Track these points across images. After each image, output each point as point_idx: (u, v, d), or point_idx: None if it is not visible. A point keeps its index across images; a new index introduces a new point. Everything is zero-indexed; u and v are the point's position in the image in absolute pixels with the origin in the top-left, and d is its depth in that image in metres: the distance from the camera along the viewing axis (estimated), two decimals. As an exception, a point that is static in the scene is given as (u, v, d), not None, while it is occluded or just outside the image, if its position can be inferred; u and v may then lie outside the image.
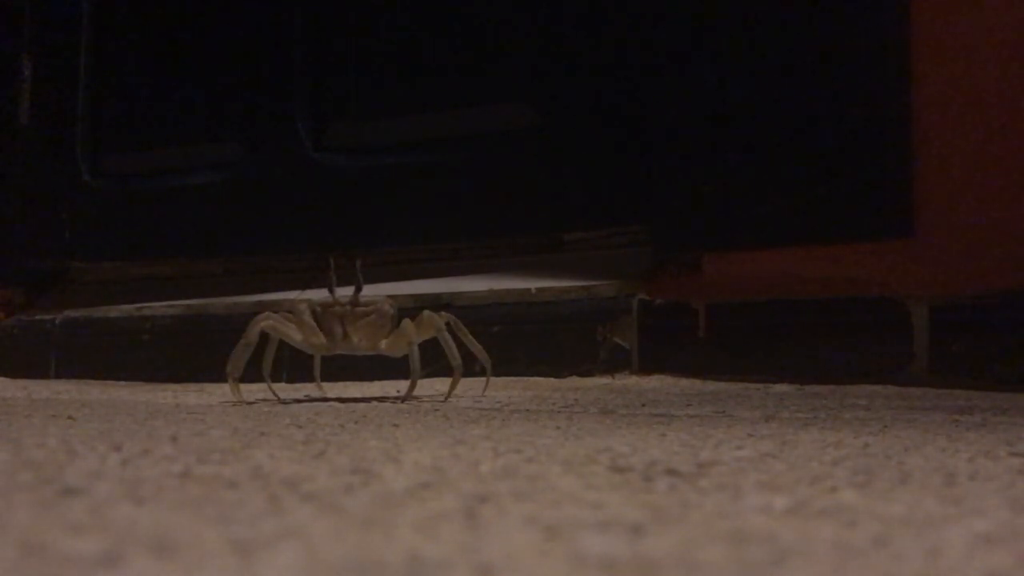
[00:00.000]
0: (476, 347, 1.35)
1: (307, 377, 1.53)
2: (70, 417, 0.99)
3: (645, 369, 1.61)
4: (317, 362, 1.46)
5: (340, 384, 1.65)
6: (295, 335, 1.30)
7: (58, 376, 2.10)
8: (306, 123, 2.07)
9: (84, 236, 2.31)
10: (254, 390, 1.44)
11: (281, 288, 1.95)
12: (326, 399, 1.35)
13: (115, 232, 2.27)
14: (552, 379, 1.62)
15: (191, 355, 1.96)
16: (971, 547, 0.39)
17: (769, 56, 1.57)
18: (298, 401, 1.32)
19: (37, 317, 2.21)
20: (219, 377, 1.80)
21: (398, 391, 1.46)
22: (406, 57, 1.99)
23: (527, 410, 1.16)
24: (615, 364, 1.62)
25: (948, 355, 1.44)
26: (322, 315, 1.29)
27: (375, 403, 1.26)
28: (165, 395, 1.55)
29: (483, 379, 1.40)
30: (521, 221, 1.85)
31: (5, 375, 2.11)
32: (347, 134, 2.05)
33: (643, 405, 1.22)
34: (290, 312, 1.31)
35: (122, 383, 1.93)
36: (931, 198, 1.47)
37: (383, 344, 1.30)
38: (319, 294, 1.35)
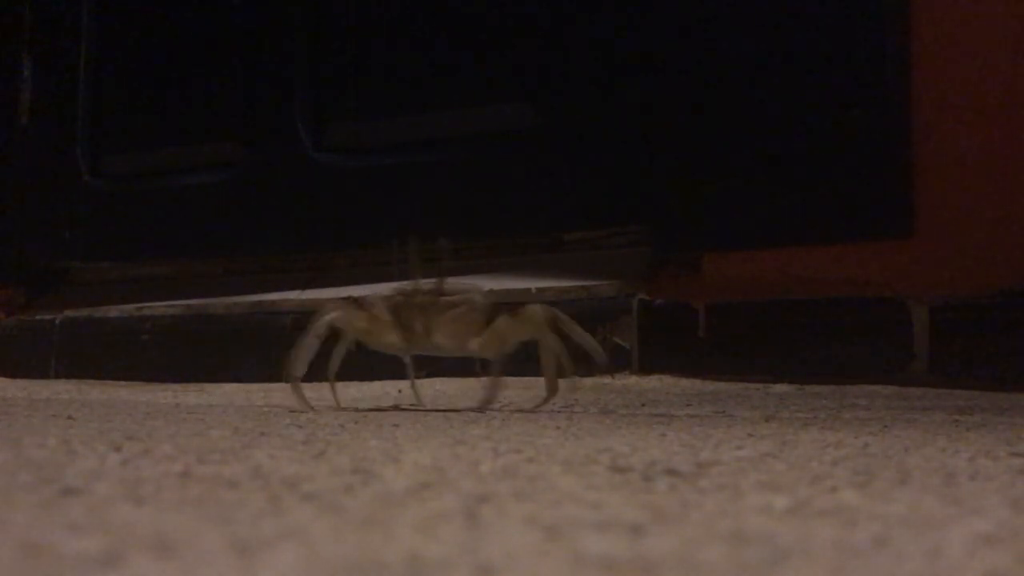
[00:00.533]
0: (590, 342, 1.14)
1: (360, 376, 1.40)
2: (70, 417, 0.99)
3: (645, 369, 1.60)
4: (410, 365, 1.24)
5: (340, 384, 1.64)
6: (368, 331, 1.12)
7: (58, 376, 2.10)
8: (306, 123, 2.07)
9: (84, 236, 2.30)
10: (271, 390, 1.44)
11: (281, 288, 1.95)
12: (418, 408, 1.18)
13: (115, 232, 2.27)
14: (552, 379, 1.62)
15: (191, 355, 1.96)
16: (971, 547, 0.39)
17: (769, 56, 1.57)
18: (380, 410, 1.16)
19: (37, 317, 2.21)
20: (219, 377, 1.80)
21: (399, 391, 1.46)
22: (405, 57, 1.99)
23: (527, 410, 1.16)
24: (615, 364, 1.62)
25: (948, 355, 1.44)
26: (402, 307, 1.10)
27: (375, 403, 1.25)
28: (165, 395, 1.55)
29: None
30: (521, 221, 1.85)
31: (5, 375, 2.11)
32: (347, 134, 2.05)
33: (643, 405, 1.22)
34: (362, 303, 1.14)
35: (122, 383, 1.93)
36: (931, 198, 1.47)
37: (474, 344, 1.11)
38: (319, 294, 1.32)
